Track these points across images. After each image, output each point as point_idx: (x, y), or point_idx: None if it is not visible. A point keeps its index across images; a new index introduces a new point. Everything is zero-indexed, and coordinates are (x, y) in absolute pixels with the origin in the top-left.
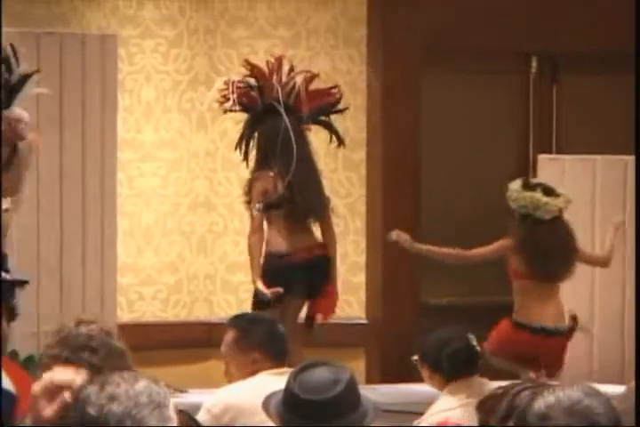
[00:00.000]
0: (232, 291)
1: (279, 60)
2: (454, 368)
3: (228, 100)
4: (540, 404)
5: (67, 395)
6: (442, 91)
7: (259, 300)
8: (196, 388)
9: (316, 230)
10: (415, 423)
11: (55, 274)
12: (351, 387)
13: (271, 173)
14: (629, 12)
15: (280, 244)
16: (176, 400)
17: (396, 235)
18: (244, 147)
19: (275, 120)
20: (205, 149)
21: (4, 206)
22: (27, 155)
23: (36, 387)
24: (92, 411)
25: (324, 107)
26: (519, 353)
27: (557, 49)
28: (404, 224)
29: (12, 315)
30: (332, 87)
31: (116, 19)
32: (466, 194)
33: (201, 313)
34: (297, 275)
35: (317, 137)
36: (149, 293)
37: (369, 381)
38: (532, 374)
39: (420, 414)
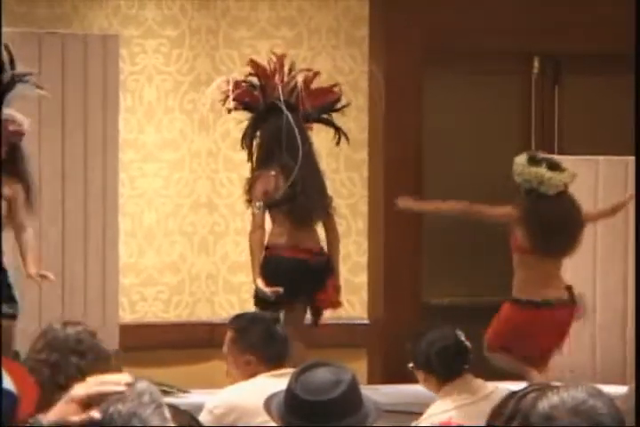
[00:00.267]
0: (234, 291)
1: (281, 58)
2: (445, 365)
3: (229, 99)
4: (544, 404)
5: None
6: (444, 91)
7: (259, 298)
8: (198, 388)
9: (320, 230)
10: (414, 423)
11: (57, 274)
12: (353, 388)
13: (272, 173)
14: (632, 13)
15: (282, 242)
16: (178, 401)
17: (400, 202)
18: (247, 146)
19: (277, 119)
20: (207, 150)
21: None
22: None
23: (80, 390)
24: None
25: (325, 105)
26: (521, 334)
27: (560, 49)
28: (406, 224)
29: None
30: (332, 85)
31: (117, 19)
32: (468, 194)
33: (203, 313)
34: (299, 274)
35: (319, 137)
36: (151, 293)
37: (371, 381)
38: (533, 373)
39: (421, 414)
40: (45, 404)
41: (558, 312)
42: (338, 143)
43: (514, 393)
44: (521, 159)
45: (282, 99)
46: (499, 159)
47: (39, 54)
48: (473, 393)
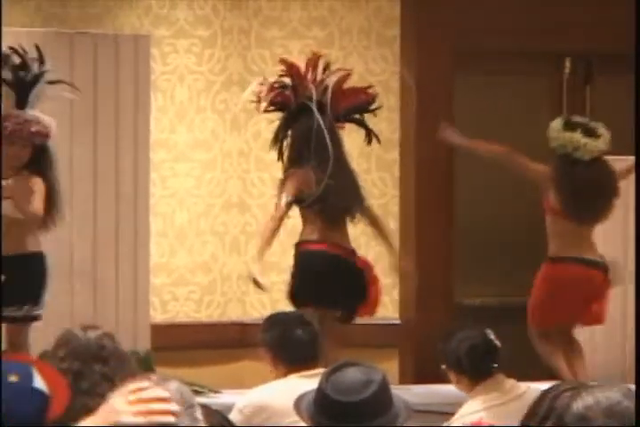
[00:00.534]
0: (265, 291)
1: (315, 58)
2: (475, 365)
3: (263, 100)
4: (578, 405)
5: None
6: (474, 91)
7: (295, 297)
8: (229, 388)
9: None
10: (445, 424)
11: (89, 274)
12: (384, 388)
13: (307, 171)
14: None
15: (314, 239)
16: (209, 401)
17: (441, 131)
18: (278, 146)
19: (308, 119)
20: (239, 150)
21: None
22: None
23: (126, 414)
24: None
25: (357, 105)
26: (558, 289)
27: (591, 49)
28: (437, 224)
29: None
30: (367, 87)
31: (149, 19)
32: (499, 195)
33: (234, 314)
34: (332, 268)
35: (350, 137)
36: (182, 293)
37: (402, 381)
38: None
39: (453, 414)
40: (67, 408)
41: (593, 272)
42: (369, 143)
43: (547, 392)
44: (557, 124)
45: (314, 99)
46: (530, 160)
47: (71, 54)
48: (504, 393)
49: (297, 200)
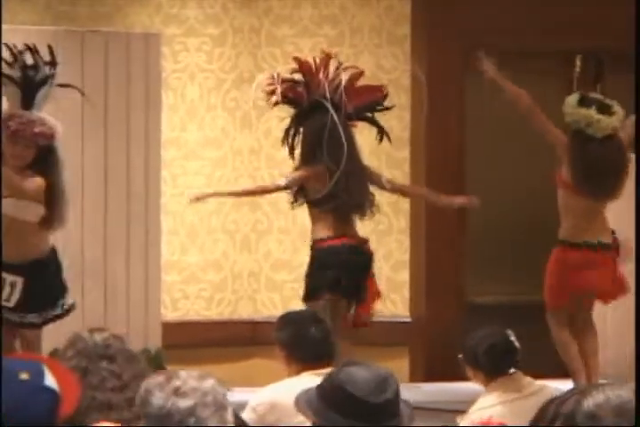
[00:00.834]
0: (276, 289)
1: (327, 56)
2: (493, 363)
3: (274, 93)
4: (589, 403)
5: None
6: (485, 90)
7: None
8: (240, 386)
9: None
10: (458, 419)
11: (100, 272)
12: (397, 387)
13: (319, 169)
14: None
15: (330, 235)
16: None
17: (481, 59)
18: (289, 142)
19: (321, 116)
20: (249, 148)
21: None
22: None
23: None
24: (155, 400)
25: (369, 104)
26: (569, 271)
27: (602, 48)
28: (449, 222)
29: None
30: (379, 86)
31: (159, 17)
32: (509, 193)
33: (245, 311)
34: (354, 256)
35: (361, 135)
36: (193, 291)
37: (412, 379)
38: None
39: (463, 412)
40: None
41: (604, 255)
42: (380, 141)
43: (555, 398)
44: (572, 99)
45: (328, 96)
46: (540, 158)
47: (81, 53)
48: (519, 390)
49: (308, 199)
